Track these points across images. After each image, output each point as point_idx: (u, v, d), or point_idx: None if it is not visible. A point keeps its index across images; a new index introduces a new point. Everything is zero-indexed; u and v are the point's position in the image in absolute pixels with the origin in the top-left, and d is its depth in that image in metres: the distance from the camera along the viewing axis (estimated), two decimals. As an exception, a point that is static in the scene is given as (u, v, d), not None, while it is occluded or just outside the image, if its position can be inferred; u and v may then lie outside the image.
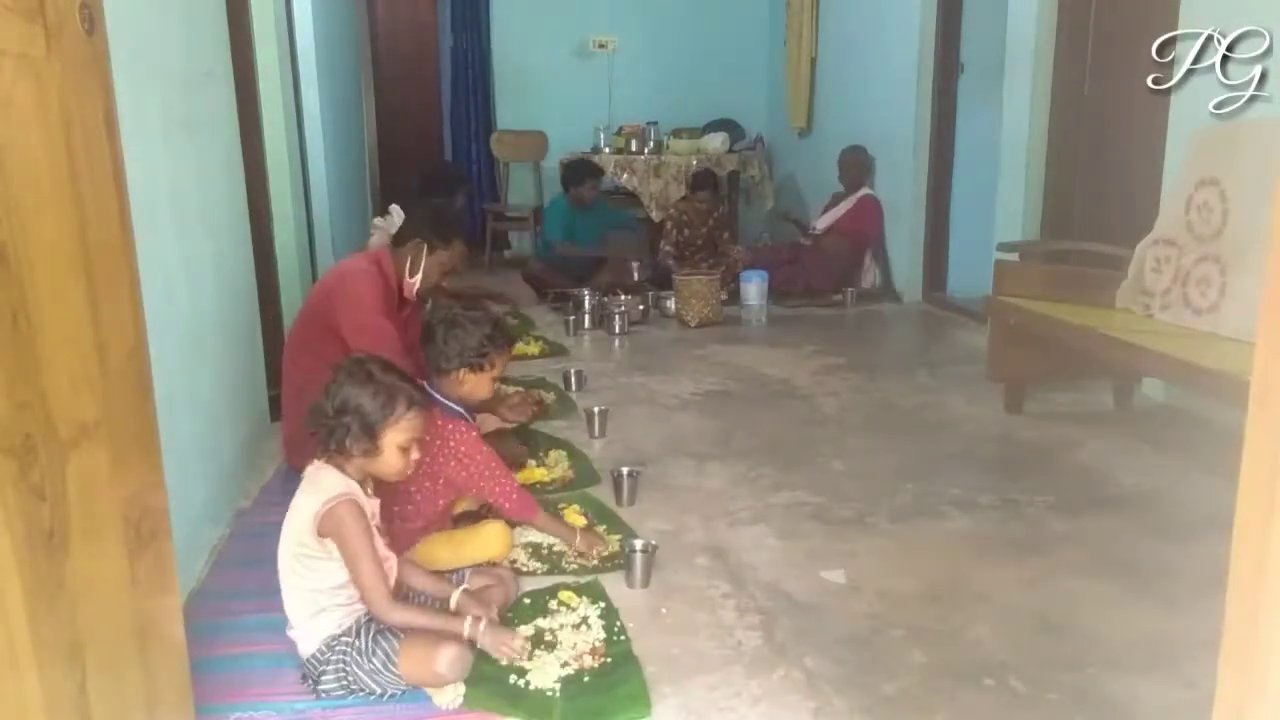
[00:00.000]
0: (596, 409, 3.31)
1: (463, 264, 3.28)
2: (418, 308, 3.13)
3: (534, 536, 2.48)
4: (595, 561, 2.37)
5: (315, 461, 1.91)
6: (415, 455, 1.93)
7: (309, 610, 1.85)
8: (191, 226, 2.55)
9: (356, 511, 1.82)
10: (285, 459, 2.99)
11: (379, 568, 1.83)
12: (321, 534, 1.82)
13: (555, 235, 5.79)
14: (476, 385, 2.39)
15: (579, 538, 2.39)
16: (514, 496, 2.34)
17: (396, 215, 4.05)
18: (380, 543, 1.90)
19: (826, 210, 5.91)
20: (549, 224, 5.89)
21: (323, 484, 1.85)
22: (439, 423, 2.24)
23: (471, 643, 1.87)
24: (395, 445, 1.88)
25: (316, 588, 1.85)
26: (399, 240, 3.06)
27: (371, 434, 1.85)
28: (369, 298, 2.85)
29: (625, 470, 2.76)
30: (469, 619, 1.89)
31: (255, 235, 3.35)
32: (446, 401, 2.35)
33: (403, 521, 2.23)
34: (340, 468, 1.88)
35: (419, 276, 2.99)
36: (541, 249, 6.09)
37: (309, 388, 2.86)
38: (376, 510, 1.94)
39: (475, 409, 2.51)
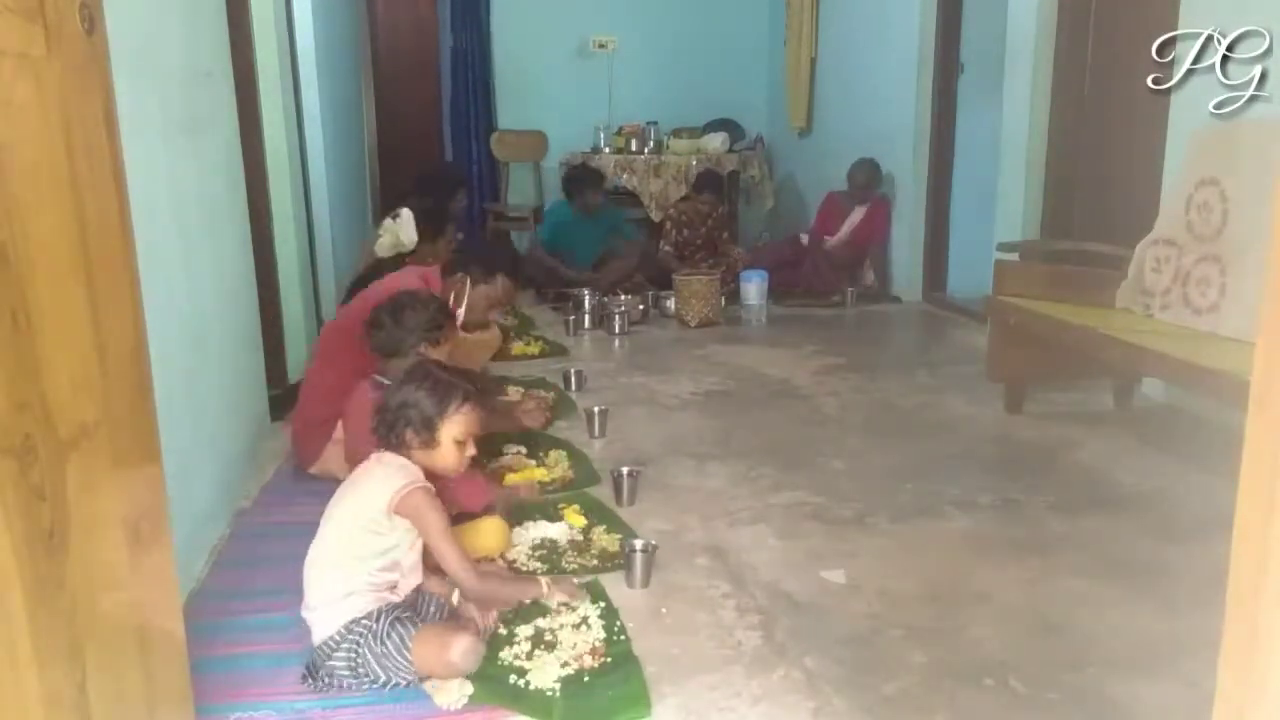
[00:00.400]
0: (596, 409, 3.30)
1: (509, 298, 3.40)
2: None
3: (534, 535, 2.49)
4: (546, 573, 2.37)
5: (377, 453, 2.01)
6: (470, 451, 2.03)
7: (342, 590, 1.87)
8: (191, 226, 2.55)
9: (432, 497, 1.94)
10: (293, 455, 2.99)
11: (459, 546, 1.96)
12: (398, 512, 1.90)
13: (544, 237, 5.74)
14: (451, 454, 2.32)
15: (557, 590, 2.20)
16: (465, 485, 2.38)
17: (406, 219, 4.08)
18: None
19: (824, 212, 5.91)
20: (549, 234, 5.78)
21: (399, 467, 1.95)
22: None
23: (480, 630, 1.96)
24: (452, 438, 1.99)
25: (362, 561, 1.89)
26: (447, 270, 3.20)
27: (430, 426, 1.97)
28: None
29: (625, 470, 2.76)
30: (545, 580, 2.13)
31: (255, 235, 3.35)
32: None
33: None
34: (406, 457, 1.99)
35: (463, 308, 3.09)
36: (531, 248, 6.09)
37: (324, 392, 2.88)
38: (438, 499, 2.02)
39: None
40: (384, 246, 4.16)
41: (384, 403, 2.02)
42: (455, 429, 1.99)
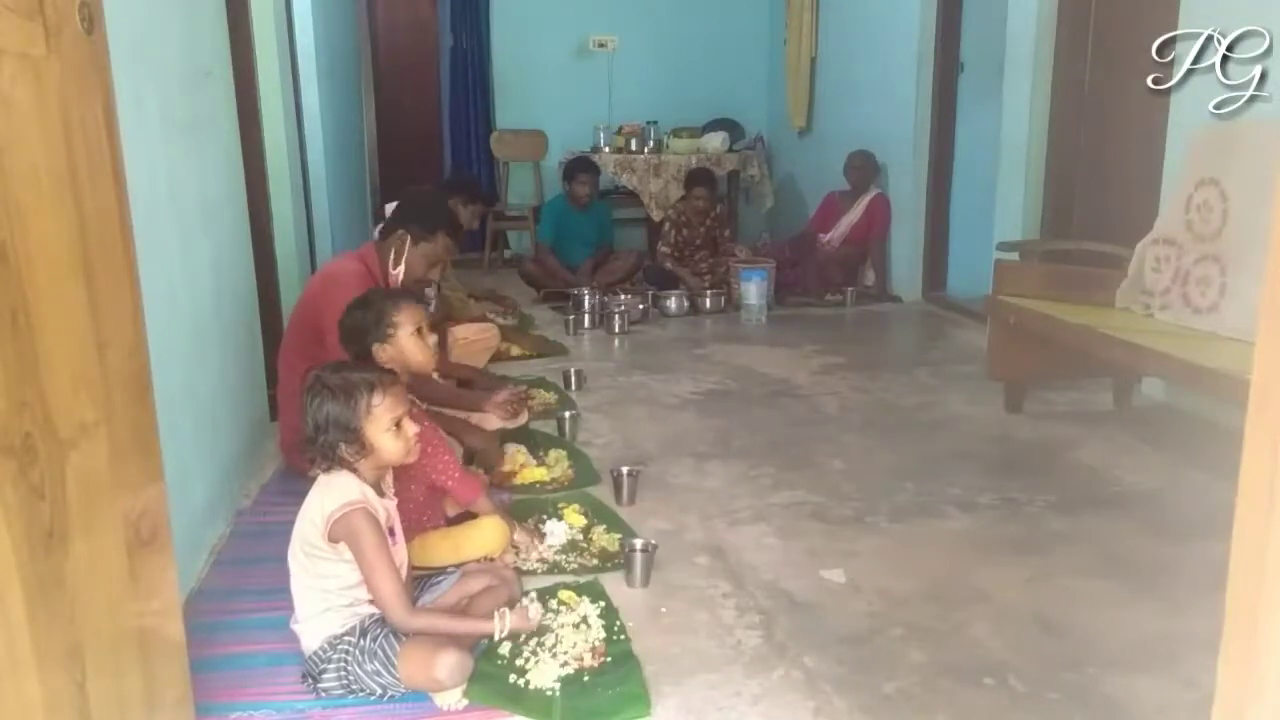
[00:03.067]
0: (625, 471, 2.78)
1: (449, 255, 3.24)
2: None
3: (552, 540, 2.48)
4: (537, 562, 2.38)
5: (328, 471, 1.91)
6: (412, 430, 1.92)
7: (316, 607, 1.86)
8: (191, 226, 2.55)
9: (370, 521, 1.82)
10: (285, 461, 2.99)
11: (395, 576, 1.84)
12: (333, 539, 1.82)
13: (544, 236, 5.78)
14: (414, 348, 2.35)
15: (518, 530, 2.41)
16: (456, 476, 2.36)
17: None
18: (399, 546, 1.92)
19: (822, 212, 5.91)
20: (542, 223, 5.88)
21: (336, 489, 1.85)
22: None
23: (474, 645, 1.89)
24: (382, 433, 1.87)
25: (325, 588, 1.85)
26: (384, 233, 3.04)
27: (355, 436, 1.85)
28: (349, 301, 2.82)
29: (625, 469, 2.76)
30: (496, 616, 1.91)
31: (255, 235, 3.35)
32: None
33: None
34: (353, 471, 1.88)
35: (401, 268, 2.96)
36: (532, 248, 6.11)
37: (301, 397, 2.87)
38: (393, 509, 1.95)
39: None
40: None
41: (305, 434, 1.87)
42: (381, 420, 1.86)
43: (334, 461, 1.86)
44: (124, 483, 1.29)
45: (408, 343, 2.28)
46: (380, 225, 3.10)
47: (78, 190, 1.18)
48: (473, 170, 7.22)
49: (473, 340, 3.95)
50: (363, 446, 1.86)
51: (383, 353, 2.35)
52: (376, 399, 1.86)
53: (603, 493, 2.80)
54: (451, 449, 2.44)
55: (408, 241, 2.97)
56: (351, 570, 1.84)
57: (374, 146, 6.96)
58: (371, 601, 1.87)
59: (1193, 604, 2.13)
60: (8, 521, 0.99)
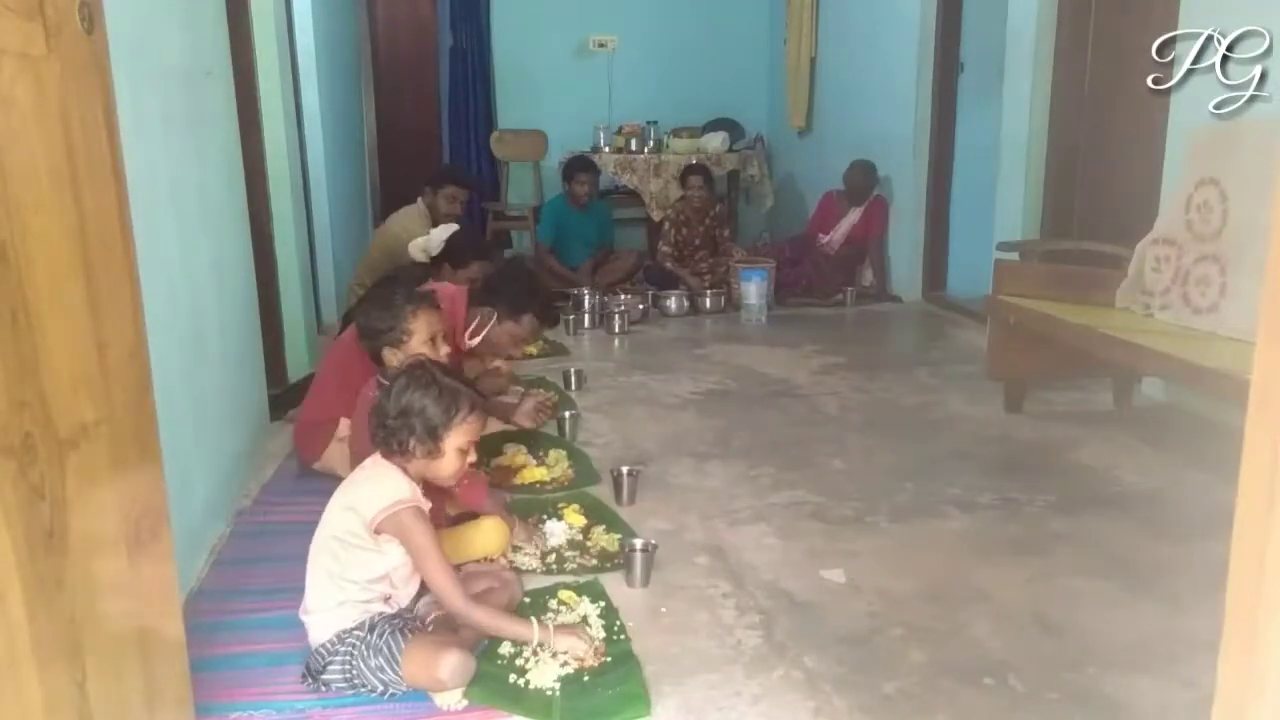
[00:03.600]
0: (625, 470, 2.80)
1: (535, 338, 3.29)
2: (462, 359, 3.12)
3: (553, 541, 2.49)
4: (536, 559, 2.38)
5: (376, 455, 1.94)
6: (471, 458, 1.97)
7: (333, 599, 1.86)
8: (191, 226, 2.55)
9: (423, 518, 1.86)
10: (295, 451, 2.99)
11: (450, 567, 1.88)
12: (379, 532, 1.84)
13: (544, 237, 5.78)
14: (421, 351, 2.40)
15: (519, 527, 2.43)
16: (464, 481, 2.35)
17: (441, 233, 4.09)
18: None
19: (821, 212, 5.91)
20: (542, 224, 5.88)
21: (388, 485, 1.87)
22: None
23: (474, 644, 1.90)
24: (456, 448, 1.92)
25: (349, 578, 1.86)
26: (475, 299, 3.06)
27: (435, 436, 1.89)
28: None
29: (625, 469, 2.76)
30: (536, 623, 1.93)
31: (255, 235, 3.35)
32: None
33: None
34: (402, 469, 1.90)
35: (479, 338, 3.01)
36: (532, 249, 6.11)
37: (329, 392, 2.87)
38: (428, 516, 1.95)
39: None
40: (417, 248, 4.17)
41: (382, 408, 1.91)
42: (460, 438, 1.92)
43: (397, 449, 1.88)
44: (124, 483, 1.29)
45: (419, 350, 2.31)
46: (472, 287, 3.14)
47: (78, 190, 1.18)
48: (473, 170, 7.22)
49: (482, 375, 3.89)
50: (436, 449, 1.89)
51: (393, 357, 2.36)
52: (472, 417, 1.92)
53: (603, 493, 2.80)
54: None
55: (493, 319, 3.01)
56: (381, 562, 1.86)
57: (374, 146, 6.96)
58: (388, 600, 1.89)
59: (1193, 604, 2.13)
60: (8, 521, 0.99)
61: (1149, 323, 3.12)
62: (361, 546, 1.85)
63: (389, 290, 2.50)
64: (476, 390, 2.06)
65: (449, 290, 3.09)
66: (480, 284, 3.15)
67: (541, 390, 3.64)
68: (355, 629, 1.83)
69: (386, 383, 2.24)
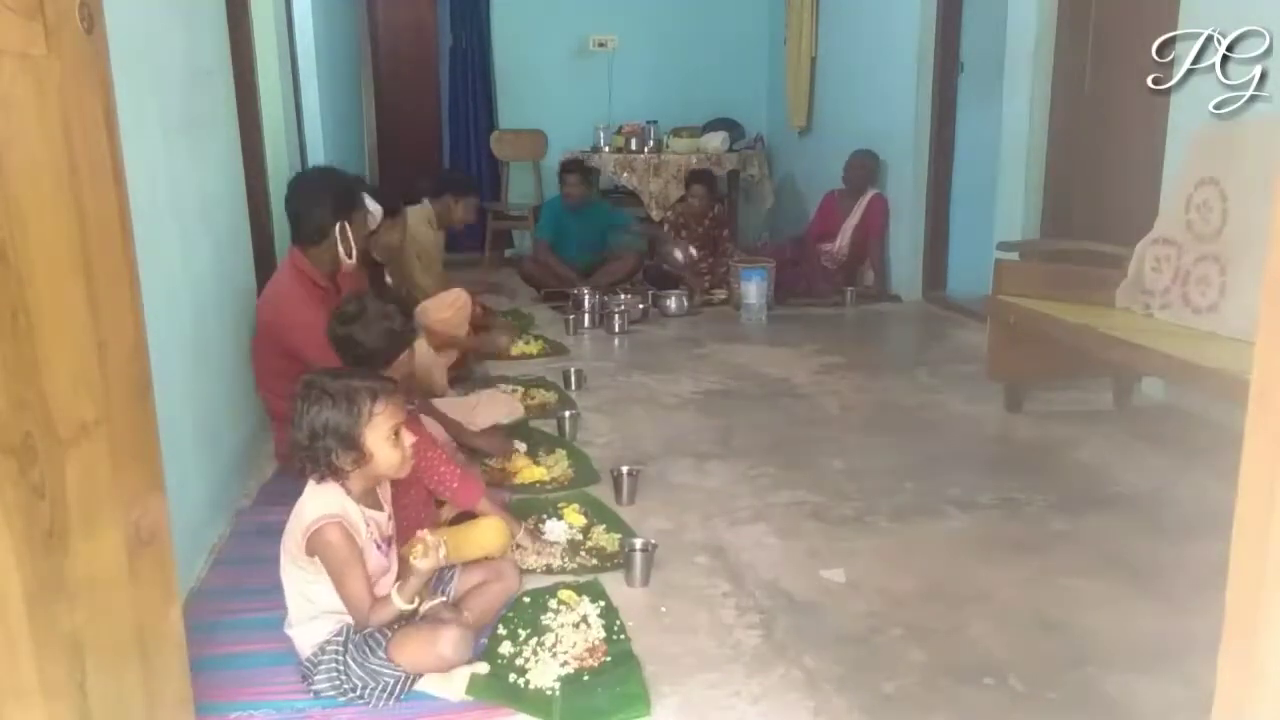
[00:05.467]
0: (625, 470, 2.79)
1: (368, 221, 3.16)
2: (360, 279, 3.11)
3: (554, 538, 2.49)
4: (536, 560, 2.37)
5: (310, 483, 1.88)
6: (409, 440, 1.89)
7: (306, 613, 1.87)
8: (191, 226, 2.55)
9: (342, 534, 1.79)
10: (281, 467, 2.99)
11: (364, 583, 1.80)
12: (309, 553, 1.82)
13: (545, 235, 5.78)
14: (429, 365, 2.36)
15: (520, 530, 2.40)
16: (455, 485, 2.36)
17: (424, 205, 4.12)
18: (391, 556, 1.91)
19: (822, 215, 5.90)
20: (540, 222, 5.89)
21: (318, 502, 1.82)
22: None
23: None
24: (382, 441, 1.84)
25: (309, 596, 1.86)
26: (313, 239, 2.93)
27: (353, 443, 1.81)
28: (312, 319, 2.69)
29: (625, 469, 2.76)
30: (394, 591, 1.82)
31: (255, 235, 3.35)
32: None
33: None
34: (343, 483, 1.86)
35: (353, 256, 2.93)
36: (532, 246, 6.12)
37: (283, 390, 2.86)
38: (384, 522, 1.93)
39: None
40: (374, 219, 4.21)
41: (295, 441, 1.83)
42: (380, 429, 1.83)
43: (326, 470, 1.82)
44: (124, 482, 1.29)
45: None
46: (299, 237, 2.99)
47: (78, 190, 1.18)
48: (473, 170, 7.22)
49: (447, 319, 3.84)
50: (361, 454, 1.82)
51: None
52: (379, 406, 1.83)
53: (602, 492, 2.80)
54: (448, 456, 2.42)
55: (338, 229, 2.89)
56: (330, 588, 1.82)
57: (374, 146, 6.97)
58: None
59: (1193, 603, 2.13)
60: (8, 521, 0.99)
61: (1149, 322, 3.12)
62: (305, 570, 1.83)
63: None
64: (386, 378, 1.96)
65: (287, 265, 2.98)
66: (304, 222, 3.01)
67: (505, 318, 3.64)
68: (335, 637, 1.84)
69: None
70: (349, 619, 1.85)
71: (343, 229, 2.92)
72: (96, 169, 1.25)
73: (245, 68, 3.47)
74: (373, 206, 3.20)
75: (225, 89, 3.06)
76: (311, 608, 1.86)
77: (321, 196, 2.98)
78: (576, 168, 5.83)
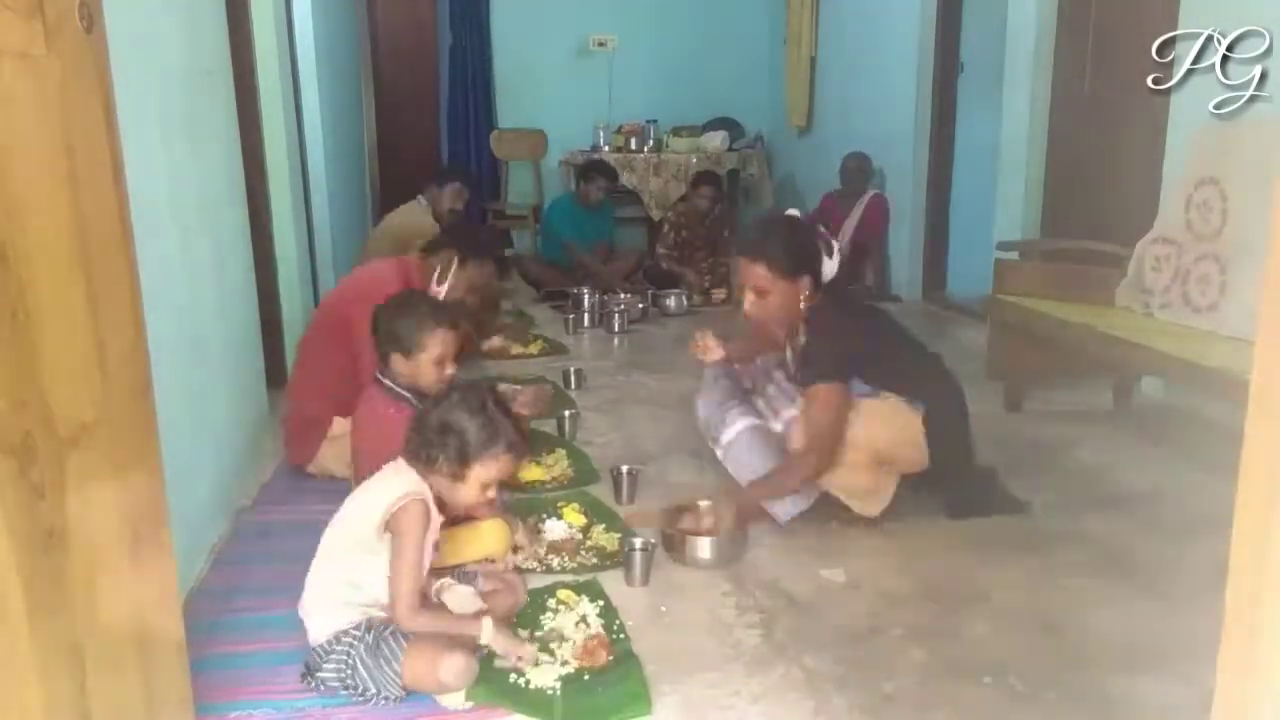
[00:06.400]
0: (625, 470, 2.79)
1: (491, 283, 3.29)
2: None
3: (551, 535, 2.49)
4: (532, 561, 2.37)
5: (398, 459, 1.94)
6: (491, 495, 1.96)
7: (335, 599, 1.86)
8: (191, 226, 2.55)
9: (424, 516, 1.85)
10: (286, 457, 2.99)
11: (418, 578, 1.86)
12: (388, 527, 1.83)
13: (569, 236, 5.66)
14: (430, 375, 2.37)
15: (520, 529, 2.40)
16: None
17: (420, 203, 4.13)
18: (429, 557, 1.93)
19: (821, 218, 5.89)
20: (558, 225, 5.76)
21: (401, 479, 1.88)
22: (384, 409, 2.33)
23: (477, 646, 1.89)
24: (480, 480, 1.91)
25: (357, 582, 1.86)
26: (430, 248, 3.08)
27: (465, 460, 1.88)
28: None
29: (625, 468, 2.76)
30: (487, 622, 1.89)
31: (255, 235, 3.35)
32: (397, 387, 2.39)
33: None
34: (422, 475, 1.90)
35: (445, 286, 2.99)
36: (542, 248, 6.07)
37: (312, 390, 2.87)
38: (437, 529, 1.95)
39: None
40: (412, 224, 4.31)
41: (425, 417, 1.91)
42: (488, 472, 1.91)
43: (424, 460, 1.88)
44: (124, 482, 1.29)
45: (426, 368, 2.30)
46: (426, 243, 3.16)
47: (77, 190, 1.18)
48: (472, 169, 7.23)
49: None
50: (459, 471, 1.88)
51: (398, 363, 2.35)
52: (507, 455, 1.92)
53: (602, 492, 2.80)
54: None
55: (455, 262, 3.00)
56: (383, 570, 1.84)
57: (374, 146, 6.97)
58: (384, 606, 1.87)
59: (1193, 603, 2.13)
60: (7, 520, 0.99)
61: (1149, 322, 3.12)
62: (370, 550, 1.84)
63: (415, 299, 2.51)
64: (520, 435, 2.02)
65: (403, 263, 3.09)
66: (437, 235, 3.17)
67: (544, 381, 3.66)
68: (353, 629, 1.83)
69: (387, 382, 2.22)
70: (373, 613, 1.85)
71: (450, 260, 3.00)
72: (96, 169, 1.25)
73: (245, 68, 3.47)
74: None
75: (225, 89, 3.06)
76: (343, 594, 1.85)
77: (465, 226, 3.12)
78: (605, 170, 5.79)
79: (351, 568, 1.86)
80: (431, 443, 1.88)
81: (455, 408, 1.91)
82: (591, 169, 5.78)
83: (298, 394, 2.99)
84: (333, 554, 1.89)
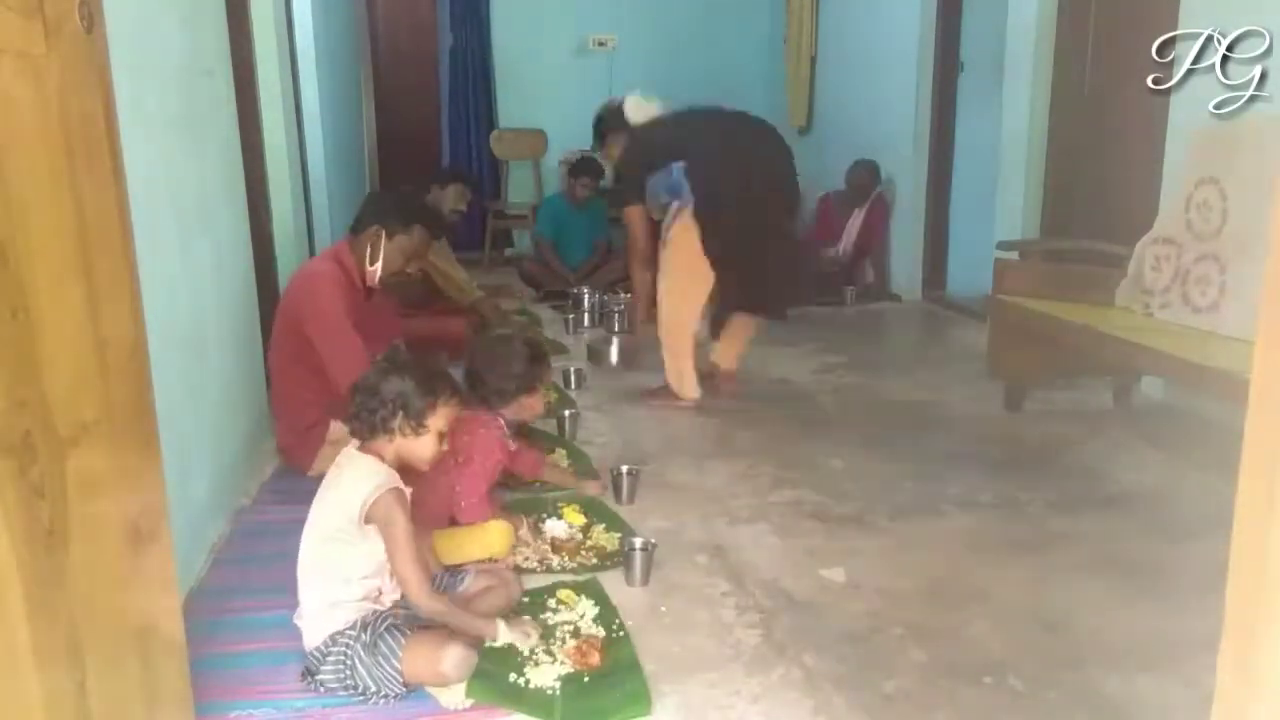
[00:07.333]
0: (625, 470, 2.77)
1: (426, 249, 3.20)
2: (386, 295, 3.13)
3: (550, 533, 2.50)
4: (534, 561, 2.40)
5: (348, 449, 1.96)
6: (444, 446, 2.00)
7: (326, 601, 1.86)
8: (191, 225, 2.55)
9: (403, 501, 1.87)
10: (287, 463, 2.99)
11: (420, 556, 1.89)
12: (368, 520, 1.84)
13: (546, 233, 5.81)
14: (532, 406, 2.62)
15: (522, 527, 2.46)
16: (474, 500, 2.41)
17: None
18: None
19: (822, 219, 5.90)
20: (540, 221, 5.92)
21: (368, 471, 1.89)
22: (474, 417, 2.43)
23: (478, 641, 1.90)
24: (437, 430, 1.95)
25: (342, 577, 1.86)
26: (356, 228, 3.00)
27: (420, 416, 1.93)
28: (331, 306, 2.80)
29: (625, 469, 2.76)
30: (501, 624, 1.93)
31: (255, 234, 3.34)
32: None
33: None
34: (378, 455, 1.92)
35: (379, 264, 2.94)
36: (532, 245, 6.13)
37: (301, 398, 2.88)
38: (407, 499, 1.96)
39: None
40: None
41: (368, 389, 1.94)
42: (441, 420, 1.96)
43: (377, 430, 1.92)
44: (124, 481, 1.29)
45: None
46: (351, 223, 3.07)
47: (77, 189, 1.18)
48: (473, 169, 7.23)
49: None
50: (418, 428, 1.93)
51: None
52: (454, 400, 2.00)
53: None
54: (483, 481, 2.46)
55: (383, 237, 2.93)
56: (371, 557, 1.86)
57: (374, 146, 6.97)
58: (378, 598, 1.88)
59: (1192, 603, 2.13)
60: (8, 521, 0.99)
61: (1149, 322, 3.12)
62: (350, 541, 1.85)
63: (503, 350, 2.61)
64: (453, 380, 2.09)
65: (336, 252, 3.02)
66: (360, 211, 3.08)
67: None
68: (348, 629, 1.83)
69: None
70: (366, 609, 1.86)
71: (377, 236, 2.93)
72: (96, 167, 1.25)
73: (245, 67, 3.47)
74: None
75: (225, 88, 3.06)
76: (332, 594, 1.85)
77: (383, 198, 3.05)
78: (590, 168, 5.82)
79: (337, 564, 1.87)
80: (377, 411, 1.91)
81: (385, 374, 1.95)
82: (578, 166, 5.82)
83: (286, 410, 2.98)
84: (314, 559, 1.89)
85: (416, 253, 3.08)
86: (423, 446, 1.96)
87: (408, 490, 1.94)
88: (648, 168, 3.55)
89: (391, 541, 1.84)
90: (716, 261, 3.41)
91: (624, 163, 3.63)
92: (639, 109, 3.71)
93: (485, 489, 2.44)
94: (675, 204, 3.49)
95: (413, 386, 1.93)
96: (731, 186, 3.41)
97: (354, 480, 1.88)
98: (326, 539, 1.87)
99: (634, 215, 3.59)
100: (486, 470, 2.45)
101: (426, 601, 1.86)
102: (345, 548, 1.86)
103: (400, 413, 1.92)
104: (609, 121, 3.81)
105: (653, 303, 3.81)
